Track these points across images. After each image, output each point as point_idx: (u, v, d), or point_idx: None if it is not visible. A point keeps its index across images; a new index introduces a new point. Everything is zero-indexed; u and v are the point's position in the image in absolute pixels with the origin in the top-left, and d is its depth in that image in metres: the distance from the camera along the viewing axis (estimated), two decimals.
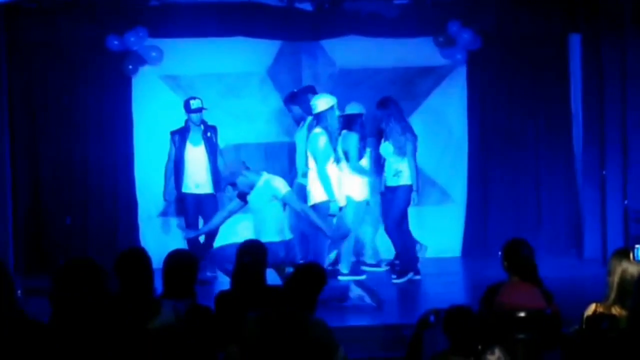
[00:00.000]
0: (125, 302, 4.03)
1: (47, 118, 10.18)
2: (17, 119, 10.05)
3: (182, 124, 9.61)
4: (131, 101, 10.32)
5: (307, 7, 10.11)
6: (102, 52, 10.02)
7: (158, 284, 4.99)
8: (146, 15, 9.99)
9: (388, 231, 9.45)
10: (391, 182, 9.41)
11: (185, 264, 5.14)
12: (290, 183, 8.94)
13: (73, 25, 9.90)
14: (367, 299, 7.96)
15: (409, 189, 9.30)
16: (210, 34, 10.16)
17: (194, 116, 9.47)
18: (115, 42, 9.95)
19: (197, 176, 9.42)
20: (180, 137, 9.52)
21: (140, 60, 10.18)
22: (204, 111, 9.52)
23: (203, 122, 9.55)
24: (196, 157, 9.49)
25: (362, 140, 9.42)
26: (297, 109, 9.74)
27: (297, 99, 9.74)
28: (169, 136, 9.74)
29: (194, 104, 9.46)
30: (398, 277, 9.25)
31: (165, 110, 10.38)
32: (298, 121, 9.81)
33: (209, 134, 9.51)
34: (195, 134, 9.51)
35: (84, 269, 3.73)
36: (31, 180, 10.17)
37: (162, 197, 9.82)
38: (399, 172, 9.35)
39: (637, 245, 4.79)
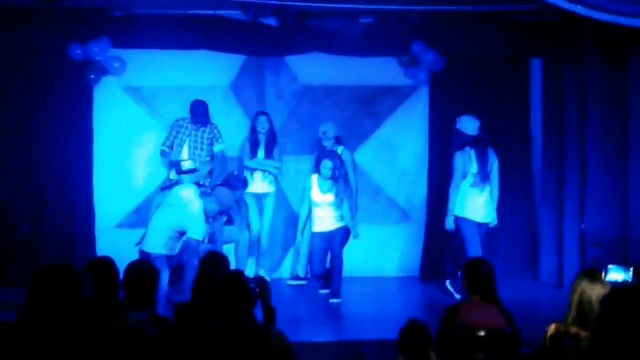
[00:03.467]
0: (97, 306, 4.03)
1: (5, 126, 10.04)
2: None
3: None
4: (92, 111, 10.22)
5: (272, 22, 10.11)
6: (64, 60, 9.91)
7: None
8: (110, 25, 9.90)
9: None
10: None
11: (146, 275, 5.12)
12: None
13: (35, 33, 9.78)
14: None
15: None
16: (174, 46, 10.12)
17: (185, 177, 9.31)
18: (78, 51, 9.87)
19: None
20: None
21: (103, 70, 10.11)
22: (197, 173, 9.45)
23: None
24: None
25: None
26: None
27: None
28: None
29: (185, 166, 9.31)
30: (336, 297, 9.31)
31: (126, 122, 10.34)
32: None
33: None
34: None
35: (61, 274, 3.70)
36: None
37: None
38: None
39: (609, 266, 4.81)
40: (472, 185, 9.26)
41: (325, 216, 9.37)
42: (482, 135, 9.34)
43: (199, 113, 9.85)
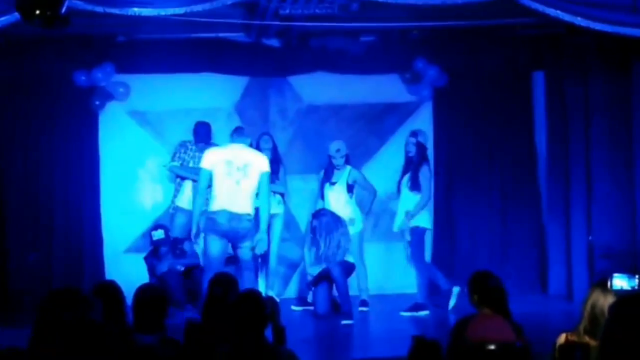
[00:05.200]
0: (106, 329, 4.05)
1: (12, 153, 10.09)
2: None
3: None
4: (98, 137, 10.28)
5: (275, 43, 10.21)
6: (69, 87, 10.00)
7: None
8: (114, 50, 10.00)
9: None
10: None
11: (155, 298, 5.11)
12: None
13: (40, 61, 9.88)
14: None
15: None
16: (178, 69, 10.19)
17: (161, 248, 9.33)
18: (83, 78, 9.93)
19: None
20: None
21: (108, 96, 10.17)
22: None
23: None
24: None
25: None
26: None
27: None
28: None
29: (156, 234, 9.34)
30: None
31: (132, 146, 10.38)
32: None
33: None
34: None
35: (68, 298, 3.73)
36: None
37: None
38: None
39: (614, 274, 4.80)
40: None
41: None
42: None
43: (202, 134, 9.89)
